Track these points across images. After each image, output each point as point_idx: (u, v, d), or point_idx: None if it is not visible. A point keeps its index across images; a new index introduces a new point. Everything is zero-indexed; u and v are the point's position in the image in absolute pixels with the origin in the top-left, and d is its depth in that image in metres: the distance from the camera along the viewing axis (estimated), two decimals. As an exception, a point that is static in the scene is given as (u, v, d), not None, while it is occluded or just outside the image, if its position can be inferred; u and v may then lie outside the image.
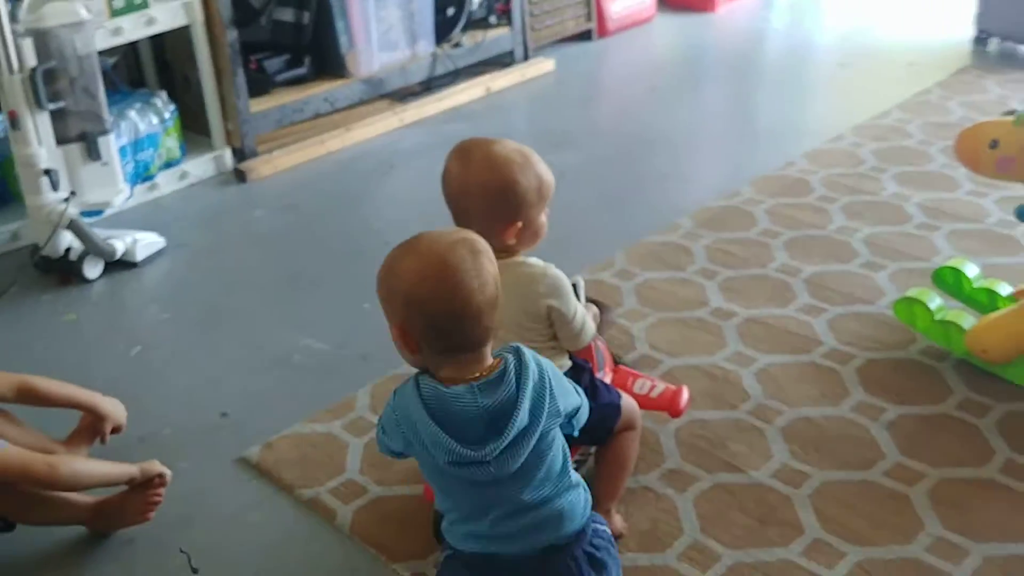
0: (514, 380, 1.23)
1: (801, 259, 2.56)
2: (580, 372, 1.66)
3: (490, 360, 1.26)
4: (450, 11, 3.75)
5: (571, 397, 1.31)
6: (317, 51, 3.44)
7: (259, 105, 3.25)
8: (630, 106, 3.78)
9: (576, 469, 1.38)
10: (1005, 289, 2.19)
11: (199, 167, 3.17)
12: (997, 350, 2.04)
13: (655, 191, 3.04)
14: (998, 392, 2.02)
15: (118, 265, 2.67)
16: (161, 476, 1.79)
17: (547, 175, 1.52)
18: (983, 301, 2.21)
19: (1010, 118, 1.95)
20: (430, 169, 3.29)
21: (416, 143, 3.46)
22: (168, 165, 3.11)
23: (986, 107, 3.43)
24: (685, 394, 1.86)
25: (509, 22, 3.95)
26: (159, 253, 2.75)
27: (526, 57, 4.04)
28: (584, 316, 1.63)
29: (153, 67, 3.30)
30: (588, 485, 1.38)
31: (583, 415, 1.35)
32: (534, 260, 1.60)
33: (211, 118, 3.16)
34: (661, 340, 2.26)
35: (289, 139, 3.37)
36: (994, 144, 1.94)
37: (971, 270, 2.23)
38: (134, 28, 2.87)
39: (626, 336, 2.27)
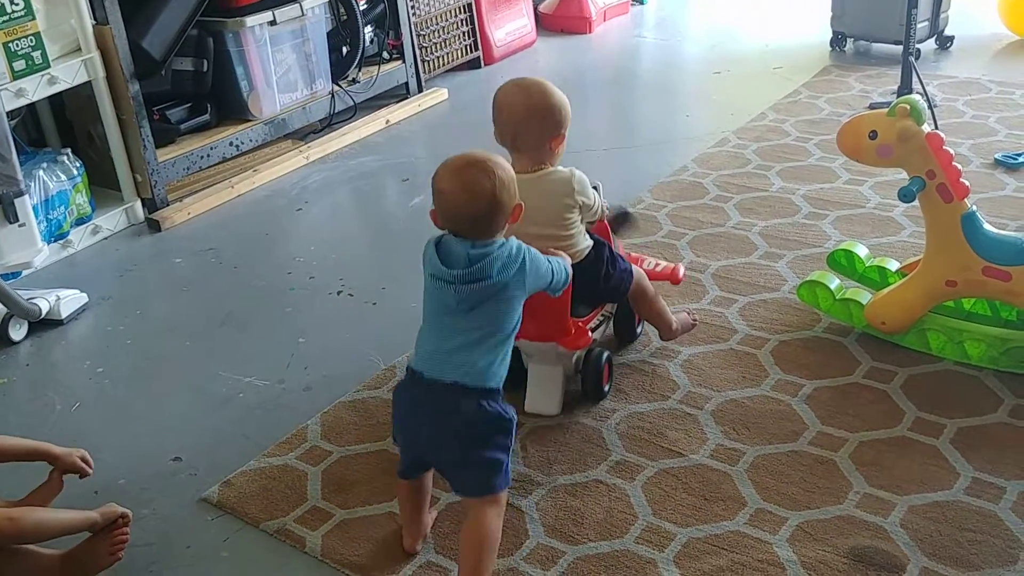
0: (498, 249, 1.69)
1: (706, 256, 2.74)
2: (601, 247, 2.10)
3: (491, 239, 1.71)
4: (344, 50, 3.84)
5: (540, 281, 1.77)
6: (218, 97, 3.48)
7: (166, 154, 3.28)
8: (525, 127, 3.93)
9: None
10: (893, 265, 2.41)
11: (111, 220, 3.17)
12: (894, 321, 2.25)
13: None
14: (900, 359, 2.23)
15: (43, 324, 2.66)
16: (124, 516, 1.82)
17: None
18: (875, 278, 2.42)
19: (884, 110, 2.16)
20: (341, 202, 3.42)
21: (324, 178, 3.53)
22: (80, 221, 3.10)
23: (851, 102, 3.72)
24: (682, 269, 2.39)
25: (401, 56, 4.07)
26: (83, 309, 2.75)
27: (420, 88, 4.16)
28: (600, 203, 2.11)
29: (53, 125, 3.29)
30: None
31: (556, 284, 1.82)
32: (562, 168, 2.04)
33: (119, 171, 3.17)
34: (590, 343, 2.39)
35: (199, 185, 3.39)
36: (873, 135, 2.15)
37: (861, 251, 2.44)
38: (36, 88, 2.87)
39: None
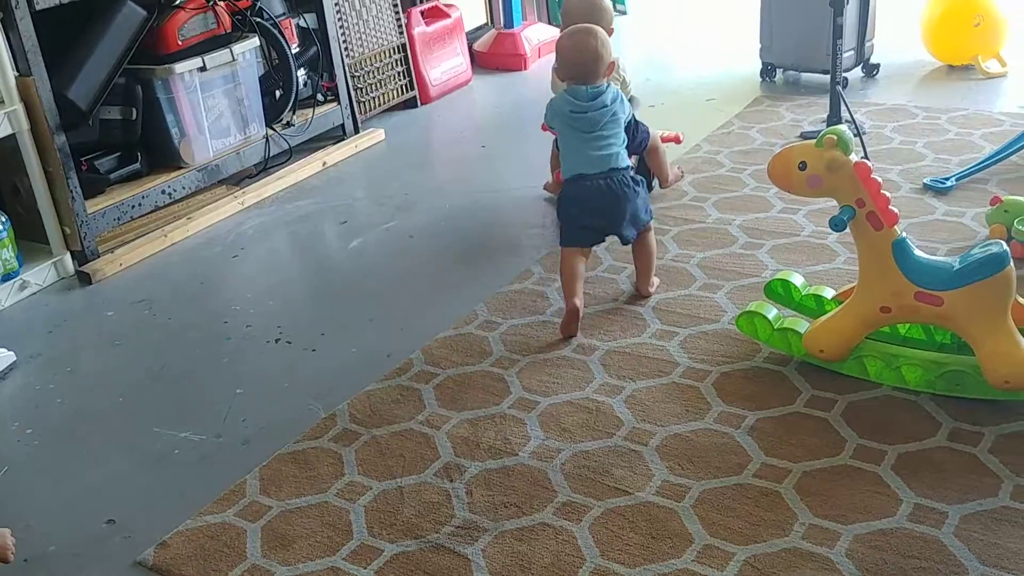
0: (606, 88, 2.61)
1: (647, 290, 2.75)
2: (631, 121, 2.83)
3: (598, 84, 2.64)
4: (278, 93, 3.81)
5: (628, 109, 2.68)
6: (149, 145, 3.43)
7: (96, 205, 3.21)
8: (465, 166, 3.93)
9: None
10: (829, 293, 2.44)
11: (39, 275, 3.09)
12: (832, 348, 2.26)
13: (504, 242, 3.18)
14: (839, 386, 2.24)
15: (-32, 386, 2.58)
16: None
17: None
18: (812, 306, 2.44)
19: (812, 141, 2.19)
20: (278, 247, 3.38)
21: (260, 224, 3.49)
22: (6, 277, 3.02)
23: (782, 131, 3.78)
24: (682, 135, 3.42)
25: (336, 98, 4.05)
26: (11, 368, 2.67)
27: (357, 129, 4.14)
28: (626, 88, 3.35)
29: (-25, 179, 3.21)
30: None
31: (638, 129, 2.89)
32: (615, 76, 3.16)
33: (47, 224, 3.09)
34: (533, 382, 2.38)
35: (131, 235, 3.33)
36: (803, 166, 2.18)
37: (797, 280, 2.47)
38: (-43, 142, 2.80)
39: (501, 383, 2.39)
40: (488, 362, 2.48)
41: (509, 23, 5.07)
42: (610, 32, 2.84)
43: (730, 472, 2.01)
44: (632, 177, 2.62)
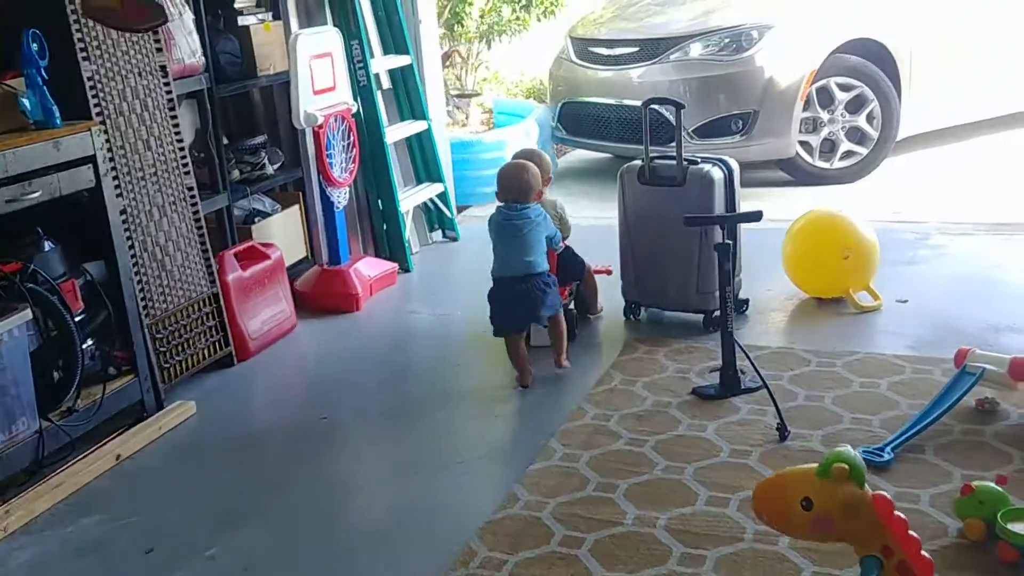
0: (532, 208, 3.41)
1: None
2: (569, 249, 3.81)
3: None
4: (56, 375, 2.98)
5: (550, 228, 3.46)
6: None
7: None
8: (305, 446, 3.17)
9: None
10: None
11: None
12: None
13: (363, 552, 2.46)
14: None
15: None
16: None
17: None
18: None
19: (812, 468, 1.68)
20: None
21: (32, 558, 2.59)
22: None
23: (672, 386, 3.32)
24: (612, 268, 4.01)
25: (133, 369, 3.26)
26: None
27: (160, 404, 3.34)
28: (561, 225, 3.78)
29: None
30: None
31: (556, 239, 3.53)
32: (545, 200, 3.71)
33: None
34: None
35: None
36: (807, 504, 1.65)
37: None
38: None
39: None
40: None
41: (335, 259, 4.48)
42: (548, 181, 3.76)
43: None
44: (545, 280, 3.37)
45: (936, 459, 2.72)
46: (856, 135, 6.00)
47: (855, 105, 5.95)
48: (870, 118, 5.96)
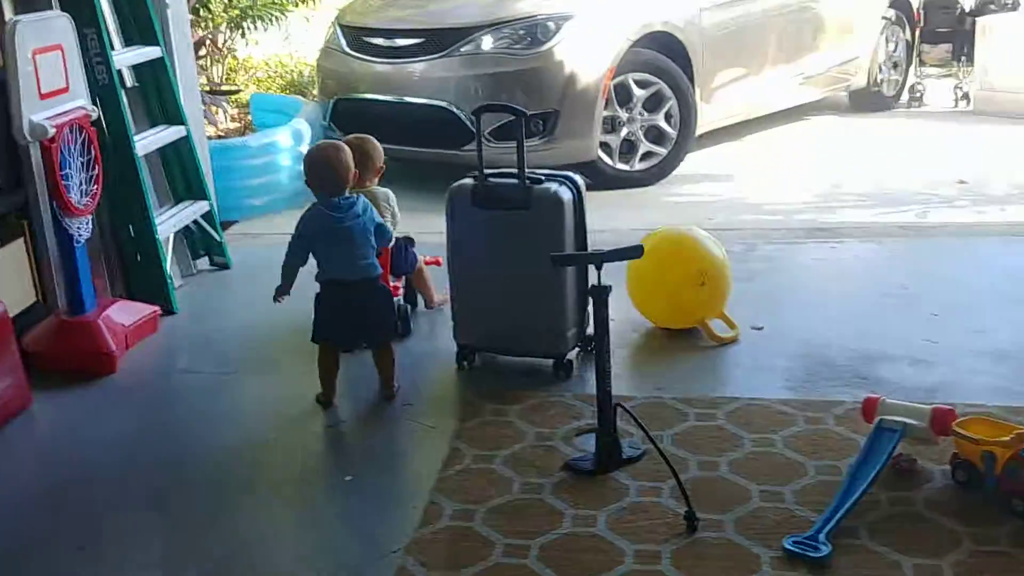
0: (356, 200, 3.00)
1: None
2: (401, 240, 3.53)
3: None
4: None
5: (377, 217, 3.09)
6: None
7: None
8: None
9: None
10: None
11: None
12: None
13: None
14: None
15: None
16: None
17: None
18: None
19: None
20: None
21: None
22: None
23: (537, 460, 2.74)
24: (442, 260, 3.44)
25: None
26: None
27: None
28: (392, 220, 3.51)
29: None
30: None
31: (389, 234, 3.16)
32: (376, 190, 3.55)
33: None
34: None
35: None
36: None
37: None
38: None
39: None
40: None
41: (78, 306, 3.51)
42: (380, 171, 3.58)
43: None
44: (385, 294, 3.12)
45: (875, 544, 2.30)
46: (653, 134, 5.69)
47: (652, 103, 5.62)
48: (668, 116, 5.66)
